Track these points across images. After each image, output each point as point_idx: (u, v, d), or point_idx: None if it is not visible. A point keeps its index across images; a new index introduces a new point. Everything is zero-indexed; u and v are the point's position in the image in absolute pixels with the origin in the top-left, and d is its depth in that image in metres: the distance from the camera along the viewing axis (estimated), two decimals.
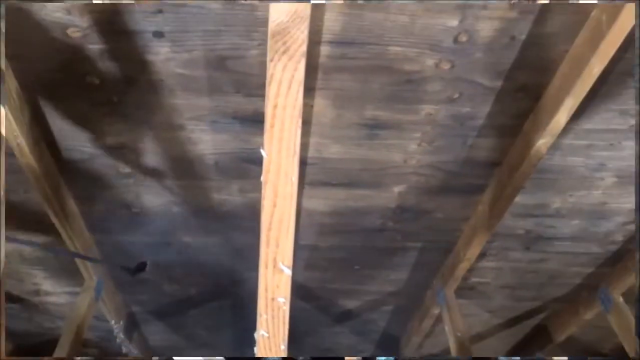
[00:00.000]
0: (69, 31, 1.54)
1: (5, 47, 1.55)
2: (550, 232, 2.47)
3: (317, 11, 1.49)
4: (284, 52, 0.79)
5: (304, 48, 0.78)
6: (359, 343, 3.61)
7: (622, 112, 1.86)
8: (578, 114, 1.79)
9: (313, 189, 2.19)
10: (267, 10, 0.81)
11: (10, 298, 2.97)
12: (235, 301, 3.05)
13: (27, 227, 2.43)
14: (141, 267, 2.25)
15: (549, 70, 1.68)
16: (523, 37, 1.59)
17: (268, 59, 0.80)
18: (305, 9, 0.77)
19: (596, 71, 1.55)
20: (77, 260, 2.45)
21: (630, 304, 2.67)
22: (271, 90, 0.82)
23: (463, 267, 2.53)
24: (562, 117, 1.70)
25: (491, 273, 2.80)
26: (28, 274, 2.77)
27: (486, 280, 2.87)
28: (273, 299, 1.05)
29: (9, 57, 1.59)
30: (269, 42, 0.79)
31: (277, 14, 0.77)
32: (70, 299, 2.92)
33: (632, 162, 2.06)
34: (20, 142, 1.79)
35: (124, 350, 3.15)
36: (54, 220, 2.17)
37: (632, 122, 1.90)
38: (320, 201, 2.27)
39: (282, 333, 1.11)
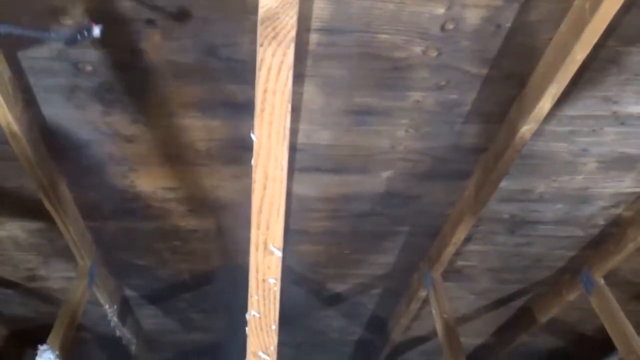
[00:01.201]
0: (62, 19, 1.53)
1: None
2: (534, 217, 2.49)
3: (306, 0, 1.49)
4: (274, 38, 0.79)
5: (293, 33, 0.78)
6: (348, 325, 3.64)
7: (605, 98, 1.88)
8: (561, 101, 1.80)
9: (303, 174, 2.19)
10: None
11: (5, 284, 2.97)
12: (228, 284, 3.06)
13: (21, 214, 2.42)
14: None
15: (534, 58, 1.69)
16: (508, 25, 1.60)
17: (258, 44, 0.80)
18: None
19: (579, 58, 1.55)
20: (71, 245, 2.44)
21: (611, 286, 2.70)
22: (261, 75, 0.82)
23: (449, 250, 2.55)
24: (546, 103, 1.71)
25: (477, 256, 2.82)
26: (22, 260, 2.76)
27: (472, 264, 2.89)
28: (264, 280, 1.06)
29: (1, 46, 1.58)
30: (259, 28, 0.79)
31: (267, 0, 0.77)
32: (64, 284, 2.92)
33: (614, 148, 2.08)
34: (14, 129, 1.78)
35: (118, 334, 3.16)
36: (48, 206, 2.16)
37: (614, 108, 1.91)
38: (310, 186, 2.27)
39: (273, 313, 1.12)
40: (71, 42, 1.44)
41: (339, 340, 3.85)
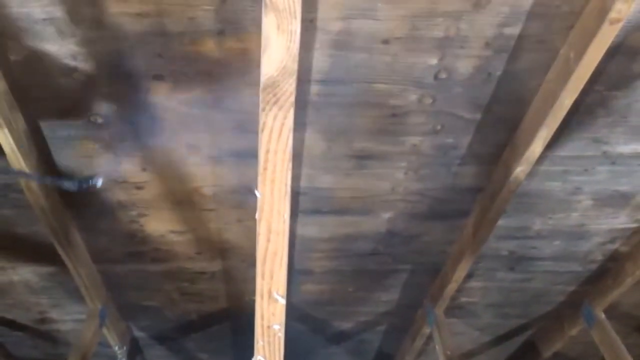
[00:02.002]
0: (75, 75, 1.60)
1: (15, 92, 1.62)
2: (532, 253, 2.52)
3: (307, 53, 1.55)
4: (275, 103, 0.85)
5: (292, 99, 0.84)
6: None
7: (595, 139, 1.93)
8: (553, 143, 1.86)
9: (306, 217, 2.24)
10: (258, 55, 0.87)
11: (17, 326, 2.99)
12: (235, 325, 3.07)
13: (33, 258, 2.46)
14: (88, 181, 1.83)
15: (524, 103, 1.75)
16: (498, 73, 1.66)
17: (260, 108, 0.86)
18: (292, 64, 0.83)
19: (567, 104, 1.61)
20: (82, 288, 2.48)
21: (611, 320, 2.71)
22: (264, 137, 0.87)
23: (451, 287, 2.57)
24: (537, 146, 1.76)
25: (478, 293, 2.84)
26: (34, 303, 2.79)
27: (474, 300, 2.90)
28: (269, 327, 1.09)
29: (18, 100, 1.65)
30: (261, 95, 0.84)
31: (268, 68, 0.83)
32: (75, 326, 2.94)
33: (607, 186, 2.12)
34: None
35: None
36: (60, 251, 2.21)
37: (605, 148, 1.96)
38: (313, 228, 2.31)
39: (277, 358, 1.15)
40: (79, 189, 1.80)
41: None
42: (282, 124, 0.86)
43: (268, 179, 0.90)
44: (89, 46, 1.53)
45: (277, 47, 0.81)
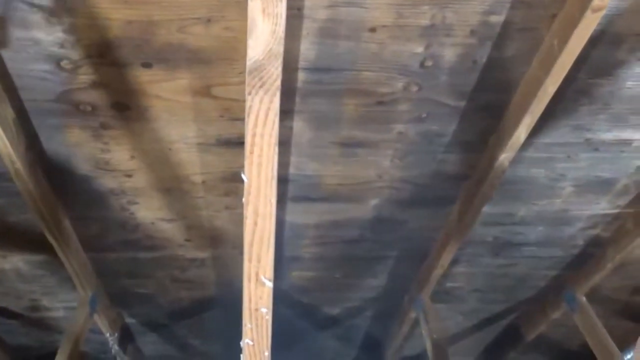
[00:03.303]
0: (63, 63, 1.57)
1: (2, 80, 1.59)
2: (517, 239, 2.53)
3: (294, 41, 1.54)
4: (261, 87, 0.83)
5: (279, 82, 0.83)
6: (342, 347, 3.64)
7: (578, 127, 1.93)
8: (537, 130, 1.85)
9: (294, 204, 2.23)
10: (245, 43, 0.86)
11: (9, 314, 2.96)
12: (226, 311, 3.07)
13: (24, 247, 2.44)
14: None
15: (509, 91, 1.74)
16: (484, 61, 1.65)
17: (246, 92, 0.84)
18: (278, 47, 0.81)
19: (551, 91, 1.61)
20: (73, 276, 2.46)
21: (593, 304, 2.73)
22: (250, 121, 0.86)
23: (437, 273, 2.58)
24: (522, 133, 1.76)
25: (464, 278, 2.85)
26: (25, 291, 2.77)
27: (459, 285, 2.91)
28: (257, 310, 1.08)
29: (5, 89, 1.62)
30: (247, 78, 0.83)
31: (254, 52, 0.82)
32: (66, 314, 2.92)
33: (589, 172, 2.13)
34: (17, 167, 1.81)
35: None
36: (50, 240, 2.18)
37: (587, 135, 1.96)
38: (302, 215, 2.30)
39: (265, 341, 1.14)
40: None
41: None
42: (268, 108, 0.85)
43: (255, 163, 0.89)
44: (76, 34, 1.50)
45: (263, 31, 0.80)
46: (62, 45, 1.52)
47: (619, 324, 3.05)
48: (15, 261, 2.53)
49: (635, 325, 3.15)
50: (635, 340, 2.44)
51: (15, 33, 1.48)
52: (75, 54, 1.55)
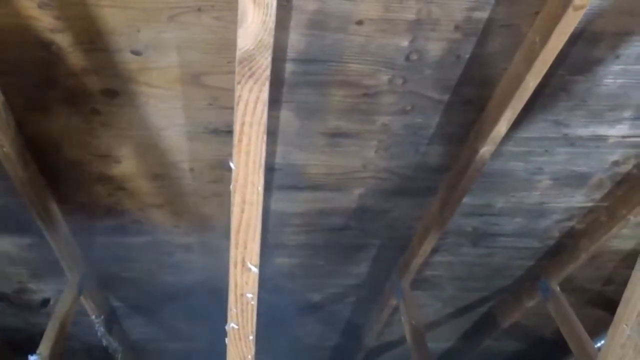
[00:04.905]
0: (53, 48, 1.55)
1: None
2: (495, 229, 2.55)
3: (283, 32, 1.53)
4: (250, 76, 0.82)
5: (268, 72, 0.82)
6: (324, 332, 3.66)
7: (556, 122, 1.94)
8: (517, 124, 1.86)
9: (280, 192, 2.22)
10: (235, 33, 0.85)
11: None
12: (211, 296, 3.06)
13: (12, 230, 2.41)
14: None
15: (491, 85, 1.75)
16: (467, 56, 1.65)
17: (236, 81, 0.84)
18: (269, 38, 0.80)
19: (531, 86, 1.61)
20: (60, 259, 2.44)
21: (566, 293, 2.77)
22: (239, 110, 0.85)
23: (417, 261, 2.59)
24: (502, 127, 1.76)
25: (443, 267, 2.86)
26: (13, 273, 2.74)
27: (439, 273, 2.93)
28: (242, 295, 1.08)
29: None
30: (237, 68, 0.82)
31: (244, 42, 0.81)
32: (54, 296, 2.90)
33: (565, 167, 2.14)
34: (7, 151, 1.78)
35: (105, 343, 3.13)
36: (39, 222, 2.16)
37: (565, 131, 1.98)
38: (287, 203, 2.30)
39: (250, 325, 1.15)
40: None
41: (316, 346, 3.86)
42: (258, 97, 0.84)
43: (243, 151, 0.89)
44: (67, 20, 1.48)
45: (253, 21, 0.79)
46: (52, 31, 1.50)
47: (591, 313, 3.09)
48: (4, 244, 2.50)
49: (606, 314, 3.20)
50: (606, 329, 2.48)
51: (6, 19, 1.46)
52: (65, 40, 1.53)
